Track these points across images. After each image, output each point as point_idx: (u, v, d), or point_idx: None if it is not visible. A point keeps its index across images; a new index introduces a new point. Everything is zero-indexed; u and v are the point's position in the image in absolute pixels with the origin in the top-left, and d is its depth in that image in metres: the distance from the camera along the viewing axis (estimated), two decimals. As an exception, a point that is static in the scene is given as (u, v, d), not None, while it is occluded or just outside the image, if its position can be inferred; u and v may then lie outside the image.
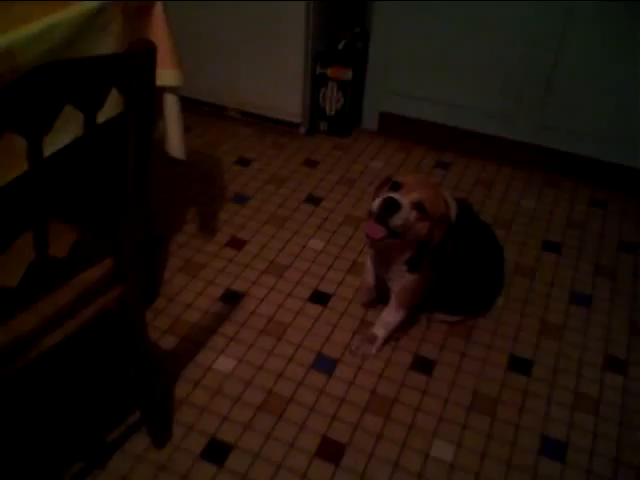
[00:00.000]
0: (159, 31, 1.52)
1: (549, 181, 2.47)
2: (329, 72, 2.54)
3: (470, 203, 2.12)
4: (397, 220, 1.40)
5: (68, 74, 0.92)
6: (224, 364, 1.68)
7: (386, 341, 1.75)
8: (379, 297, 1.84)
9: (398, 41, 2.46)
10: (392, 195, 1.41)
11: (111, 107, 1.08)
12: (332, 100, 2.60)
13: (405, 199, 1.41)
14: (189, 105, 2.71)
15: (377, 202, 1.42)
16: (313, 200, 2.33)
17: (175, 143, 1.66)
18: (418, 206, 1.42)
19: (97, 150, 1.07)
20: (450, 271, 1.63)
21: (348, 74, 2.53)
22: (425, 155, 2.61)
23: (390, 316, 1.69)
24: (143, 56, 0.99)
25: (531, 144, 2.47)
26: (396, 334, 1.76)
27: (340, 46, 2.57)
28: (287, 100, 2.61)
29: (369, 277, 1.80)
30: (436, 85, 2.50)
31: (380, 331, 1.72)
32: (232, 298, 1.89)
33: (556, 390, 1.66)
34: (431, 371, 1.70)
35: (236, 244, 2.10)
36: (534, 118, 2.41)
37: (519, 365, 1.72)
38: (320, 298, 1.90)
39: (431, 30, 2.39)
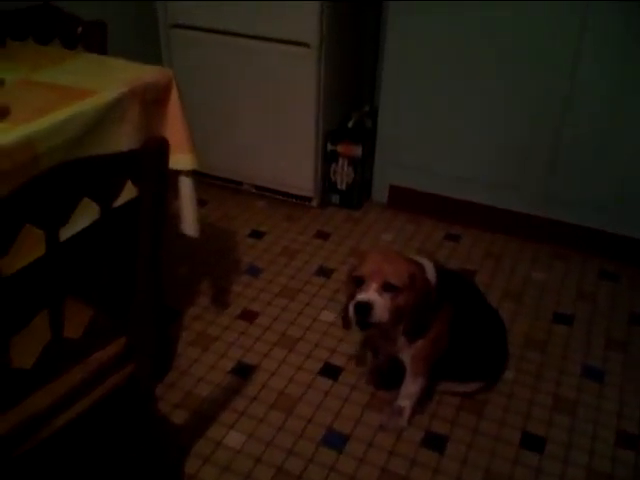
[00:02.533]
0: (175, 118, 1.60)
1: (558, 253, 2.50)
2: (340, 149, 2.63)
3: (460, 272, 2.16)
4: (376, 316, 1.45)
5: (85, 171, 0.98)
6: (234, 439, 1.68)
7: (414, 411, 1.75)
8: (389, 377, 1.84)
9: (405, 118, 2.56)
10: (360, 298, 1.46)
11: (126, 192, 1.14)
12: (343, 175, 2.69)
13: (371, 292, 1.46)
14: (205, 180, 2.81)
15: (351, 310, 1.47)
16: (324, 272, 2.37)
17: (189, 222, 1.73)
18: (386, 287, 1.46)
19: (111, 233, 1.13)
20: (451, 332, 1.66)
21: (358, 150, 2.62)
22: (434, 227, 2.66)
23: (410, 386, 1.71)
24: (156, 153, 1.05)
25: (538, 216, 2.51)
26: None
27: (350, 124, 2.68)
28: (300, 175, 2.70)
29: (373, 361, 1.85)
30: (443, 159, 2.57)
31: (405, 402, 1.72)
32: (243, 371, 1.90)
33: (569, 467, 1.63)
34: (443, 448, 1.68)
35: (248, 316, 2.13)
36: (539, 190, 2.46)
37: (532, 442, 1.70)
38: (331, 372, 1.91)
39: (436, 107, 2.49)
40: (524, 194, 2.50)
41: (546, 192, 2.46)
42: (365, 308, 1.44)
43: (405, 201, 2.73)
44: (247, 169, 2.80)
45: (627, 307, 2.22)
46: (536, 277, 2.37)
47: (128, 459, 1.47)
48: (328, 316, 2.14)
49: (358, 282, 1.50)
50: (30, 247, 1.18)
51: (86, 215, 1.29)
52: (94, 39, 1.92)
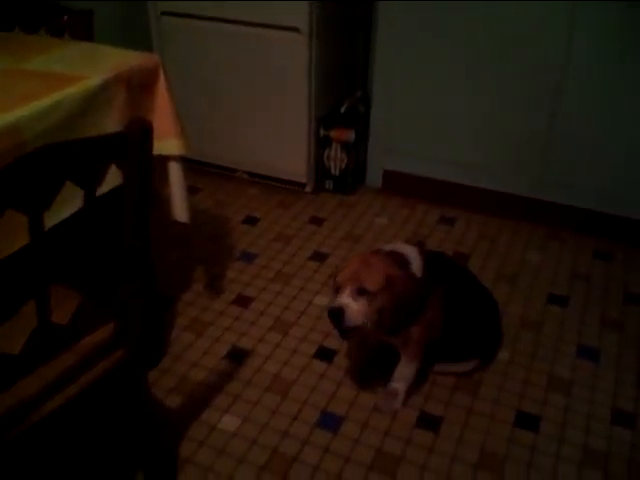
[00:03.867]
0: (163, 103, 1.59)
1: (552, 234, 2.50)
2: (332, 134, 2.62)
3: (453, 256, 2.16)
4: (350, 320, 1.46)
5: (67, 154, 0.97)
6: (229, 423, 1.68)
7: (408, 392, 1.75)
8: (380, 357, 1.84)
9: (398, 103, 2.55)
10: (332, 305, 1.48)
11: (111, 178, 1.13)
12: (336, 160, 2.68)
13: (344, 297, 1.47)
14: (199, 168, 2.80)
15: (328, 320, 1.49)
16: (319, 257, 2.36)
17: (180, 208, 1.72)
18: (359, 291, 1.47)
19: (97, 220, 1.12)
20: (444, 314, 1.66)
21: (351, 135, 2.60)
22: (428, 211, 2.65)
23: (404, 369, 1.71)
24: (139, 134, 1.04)
25: (533, 198, 2.51)
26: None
27: (343, 109, 2.67)
28: (293, 161, 2.69)
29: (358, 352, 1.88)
30: (437, 143, 2.57)
31: (400, 384, 1.73)
32: (238, 356, 1.91)
33: (564, 446, 1.64)
34: (437, 428, 1.68)
35: (242, 302, 2.13)
36: (534, 173, 2.46)
37: (526, 421, 1.71)
38: (325, 355, 1.91)
39: (430, 91, 2.48)
40: (518, 177, 2.50)
41: (539, 175, 2.46)
42: (337, 313, 1.46)
43: (399, 185, 2.72)
44: (240, 156, 2.78)
45: (622, 287, 2.22)
46: (530, 258, 2.36)
47: (122, 443, 1.47)
48: (322, 300, 2.14)
49: (337, 290, 1.51)
50: (15, 236, 1.17)
51: (71, 203, 1.29)
52: (80, 28, 1.91)
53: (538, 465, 1.59)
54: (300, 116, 2.56)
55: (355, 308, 1.46)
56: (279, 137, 2.65)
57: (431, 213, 2.64)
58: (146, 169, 1.14)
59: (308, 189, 2.75)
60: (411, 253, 1.61)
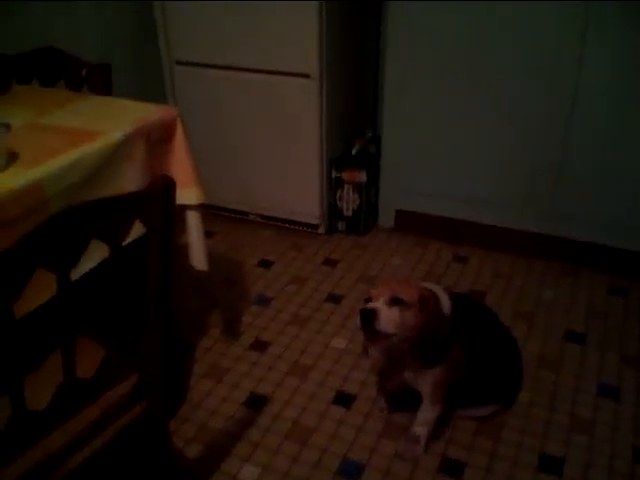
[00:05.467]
0: (181, 154, 1.62)
1: (566, 271, 2.49)
2: (344, 175, 2.65)
3: (470, 294, 2.15)
4: (381, 323, 1.47)
5: (93, 214, 1.00)
6: (249, 472, 1.67)
7: (430, 438, 1.74)
8: (401, 400, 1.83)
9: (408, 142, 2.58)
10: (364, 307, 1.50)
11: (135, 230, 1.15)
12: (349, 201, 2.70)
13: (378, 302, 1.49)
14: (213, 212, 2.83)
15: (357, 320, 1.50)
16: (334, 299, 2.37)
17: (197, 255, 1.74)
18: (394, 300, 1.49)
19: (121, 270, 1.14)
20: (466, 358, 1.66)
21: (362, 176, 2.64)
22: (442, 249, 2.66)
23: (427, 413, 1.70)
24: (163, 191, 1.08)
25: (546, 234, 2.52)
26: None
27: (354, 151, 2.70)
28: (305, 203, 2.72)
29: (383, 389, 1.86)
30: (448, 181, 2.59)
31: (421, 429, 1.71)
32: (256, 402, 1.90)
33: (590, 489, 1.62)
34: (461, 474, 1.67)
35: (260, 346, 2.14)
36: (547, 209, 2.47)
37: (550, 464, 1.69)
38: (344, 400, 1.91)
39: (438, 131, 2.51)
40: (531, 212, 2.51)
41: (552, 209, 2.46)
42: (369, 315, 1.47)
43: (412, 225, 2.74)
44: (253, 199, 2.82)
45: (639, 322, 2.20)
46: (546, 295, 2.36)
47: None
48: (339, 343, 2.14)
49: (367, 300, 1.54)
50: (42, 289, 1.19)
51: (96, 254, 1.31)
52: (99, 80, 1.94)
53: (564, 510, 1.56)
54: (312, 159, 2.60)
55: (387, 313, 1.48)
56: (292, 180, 2.68)
57: (444, 251, 2.65)
58: (169, 224, 1.17)
59: (321, 230, 2.77)
60: (441, 293, 1.63)
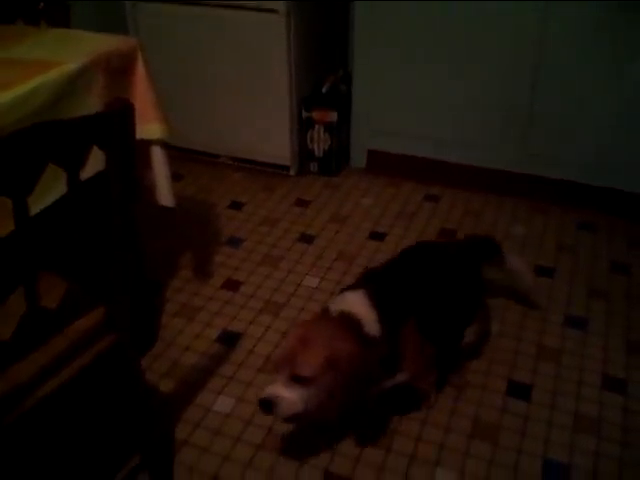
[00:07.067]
0: (142, 87, 1.57)
1: (536, 208, 2.51)
2: (315, 115, 2.61)
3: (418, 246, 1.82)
4: (284, 412, 1.32)
5: (49, 135, 0.96)
6: (224, 404, 1.68)
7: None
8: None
9: (380, 81, 2.54)
10: (262, 396, 1.32)
11: (95, 163, 1.12)
12: (320, 142, 2.67)
13: (278, 385, 1.31)
14: (182, 155, 2.78)
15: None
16: (306, 239, 2.36)
17: (164, 192, 1.72)
18: (294, 379, 1.30)
19: (82, 205, 1.11)
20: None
21: (333, 116, 2.60)
22: (414, 189, 2.65)
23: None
24: (120, 113, 1.04)
25: (516, 173, 2.53)
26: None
27: (324, 89, 2.65)
28: (276, 144, 2.68)
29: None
30: (420, 121, 2.57)
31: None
32: (229, 339, 1.90)
33: (556, 413, 1.66)
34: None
35: (231, 286, 2.13)
36: (518, 147, 2.47)
37: (518, 390, 1.73)
38: (317, 334, 1.91)
39: (412, 69, 2.47)
40: (502, 152, 2.51)
41: (524, 148, 2.47)
42: (268, 404, 1.31)
43: (383, 165, 2.72)
44: (223, 141, 2.77)
45: (607, 256, 2.24)
46: (516, 232, 2.38)
47: (118, 427, 1.48)
48: (312, 281, 2.14)
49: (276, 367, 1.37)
50: (3, 221, 1.16)
51: (55, 188, 1.28)
52: (57, 15, 1.88)
53: (531, 433, 1.61)
54: (282, 98, 2.55)
55: (288, 397, 1.29)
56: (261, 120, 2.63)
57: (416, 191, 2.65)
58: (129, 149, 1.13)
59: (292, 172, 2.74)
60: (361, 308, 1.40)
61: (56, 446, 1.53)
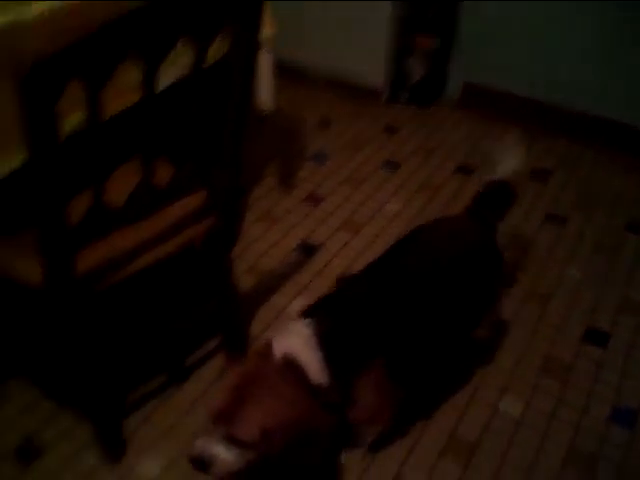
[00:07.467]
0: None
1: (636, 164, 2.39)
2: (415, 40, 2.52)
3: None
4: (218, 471, 1.12)
5: (185, 8, 0.99)
6: (297, 306, 1.71)
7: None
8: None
9: (491, 11, 2.42)
10: (195, 453, 1.11)
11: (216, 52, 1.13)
12: (416, 68, 2.59)
13: (211, 442, 1.10)
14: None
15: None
16: (390, 165, 2.33)
17: (266, 96, 1.73)
18: (230, 439, 1.09)
19: (202, 89, 1.13)
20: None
21: (435, 43, 2.50)
22: (505, 131, 2.56)
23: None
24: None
25: (619, 122, 2.39)
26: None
27: (430, 13, 2.55)
28: (370, 66, 2.61)
29: None
30: (524, 59, 2.45)
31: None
32: (307, 250, 1.92)
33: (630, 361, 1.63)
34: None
35: (313, 200, 2.13)
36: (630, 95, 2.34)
37: (596, 337, 1.69)
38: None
39: (524, 3, 2.34)
40: (609, 101, 2.37)
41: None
42: (202, 464, 1.11)
43: (478, 100, 2.63)
44: (316, 59, 2.72)
45: None
46: (614, 183, 2.28)
47: (204, 309, 1.53)
48: (393, 208, 2.12)
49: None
50: (127, 91, 1.17)
51: (176, 69, 1.29)
52: None
53: (603, 379, 1.58)
54: (381, 18, 2.46)
55: (224, 457, 1.10)
56: (357, 40, 2.56)
57: (509, 131, 2.54)
58: (257, 31, 1.13)
59: (384, 97, 2.68)
60: (305, 351, 1.13)
61: (146, 316, 1.60)
